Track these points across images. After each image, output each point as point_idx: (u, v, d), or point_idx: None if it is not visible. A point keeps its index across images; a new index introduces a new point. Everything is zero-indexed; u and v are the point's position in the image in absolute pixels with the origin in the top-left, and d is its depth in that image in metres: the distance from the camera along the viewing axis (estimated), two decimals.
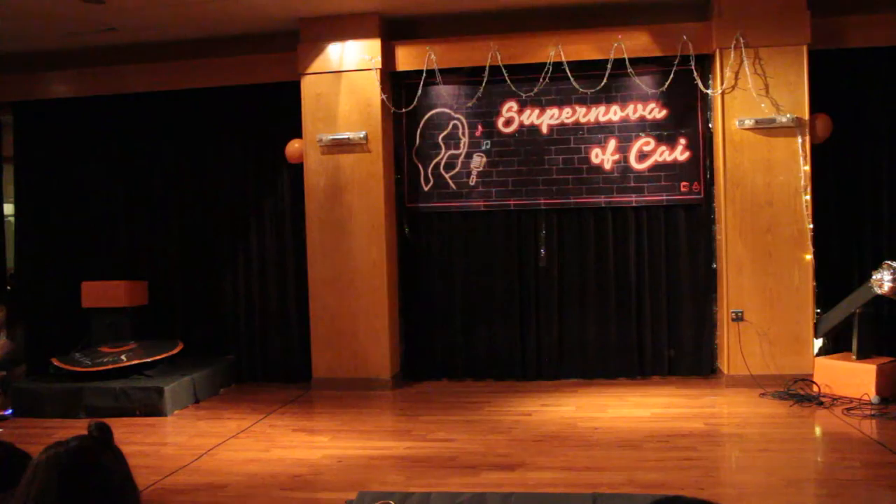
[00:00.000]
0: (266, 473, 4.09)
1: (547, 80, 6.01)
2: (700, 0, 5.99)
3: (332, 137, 6.10)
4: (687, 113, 6.06)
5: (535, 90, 6.05)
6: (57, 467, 1.50)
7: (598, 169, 6.14)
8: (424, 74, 6.12)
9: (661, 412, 5.07)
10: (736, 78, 5.70)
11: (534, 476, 3.91)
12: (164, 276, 6.77)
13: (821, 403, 5.09)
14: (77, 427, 1.66)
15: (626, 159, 6.11)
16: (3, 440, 1.89)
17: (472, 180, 6.30)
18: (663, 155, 6.08)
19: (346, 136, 6.08)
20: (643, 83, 6.02)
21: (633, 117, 6.11)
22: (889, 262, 4.94)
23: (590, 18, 6.07)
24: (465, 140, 6.29)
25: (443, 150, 6.34)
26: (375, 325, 6.12)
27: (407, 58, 6.20)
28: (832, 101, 5.79)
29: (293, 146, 6.30)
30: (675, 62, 5.86)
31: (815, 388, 5.33)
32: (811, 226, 5.63)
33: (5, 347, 6.09)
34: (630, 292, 6.15)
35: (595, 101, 6.13)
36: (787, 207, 5.66)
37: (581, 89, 6.01)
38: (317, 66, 6.15)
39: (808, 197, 5.62)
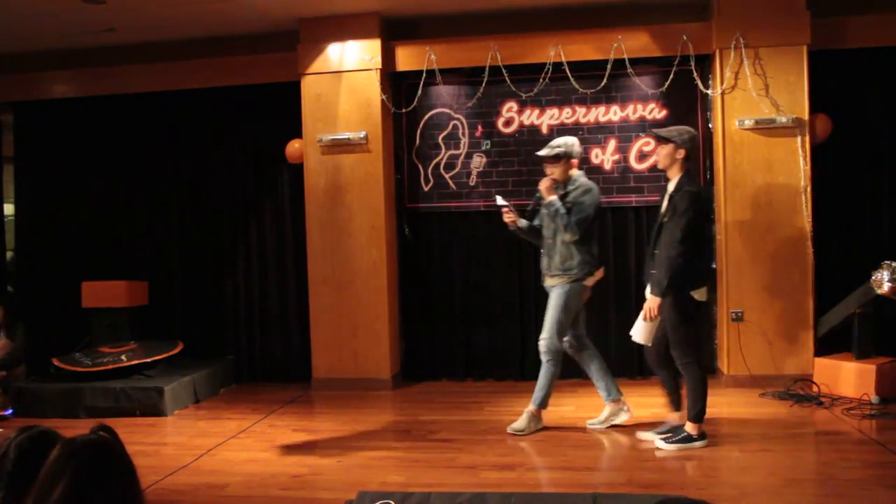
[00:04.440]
0: (266, 473, 4.09)
1: (547, 80, 6.01)
2: (700, 0, 5.99)
3: (332, 137, 6.10)
4: (687, 113, 6.06)
5: (535, 90, 6.05)
6: (70, 454, 1.52)
7: (598, 169, 6.14)
8: (424, 74, 6.12)
9: (661, 412, 5.06)
10: (736, 78, 5.70)
11: (534, 476, 3.91)
12: (164, 276, 6.77)
13: (821, 403, 5.09)
14: (77, 427, 1.67)
15: (626, 159, 6.11)
16: (41, 427, 1.89)
17: (472, 180, 6.30)
18: None
19: (346, 136, 6.09)
20: (643, 83, 6.02)
21: (633, 117, 6.11)
22: (889, 262, 4.94)
23: (590, 18, 6.07)
24: (465, 140, 6.29)
25: (443, 150, 6.35)
26: (375, 325, 6.12)
27: (407, 58, 6.20)
28: (832, 101, 5.79)
29: (293, 146, 6.30)
30: (675, 62, 5.86)
31: (815, 388, 5.33)
32: (811, 226, 5.63)
33: (5, 347, 6.09)
34: (630, 292, 6.15)
35: (595, 101, 6.13)
36: (787, 207, 5.66)
37: (581, 89, 6.01)
38: (317, 66, 6.15)
39: (808, 197, 5.62)
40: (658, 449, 4.25)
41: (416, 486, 3.62)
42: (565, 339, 4.74)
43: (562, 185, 4.71)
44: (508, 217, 4.78)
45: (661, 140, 4.30)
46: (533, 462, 4.13)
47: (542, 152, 4.74)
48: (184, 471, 4.17)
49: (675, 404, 4.43)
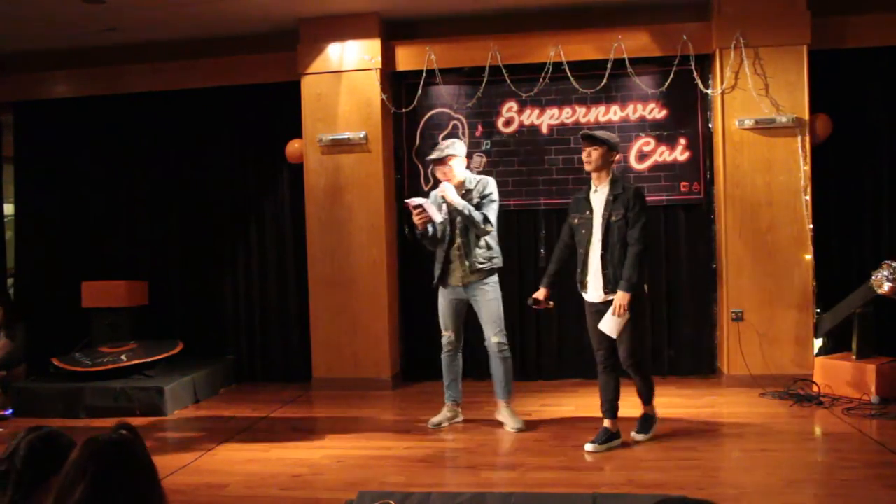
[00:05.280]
0: (266, 473, 4.09)
1: (547, 80, 6.01)
2: (700, 0, 5.99)
3: (332, 137, 6.11)
4: (687, 113, 6.06)
5: (535, 90, 6.05)
6: (91, 454, 1.53)
7: None
8: (424, 74, 6.12)
9: (661, 412, 5.06)
10: (736, 78, 5.70)
11: (534, 476, 3.91)
12: (164, 276, 6.77)
13: (821, 403, 5.09)
14: (77, 427, 1.67)
15: (625, 159, 6.11)
16: (49, 427, 1.89)
17: None
18: (663, 155, 6.08)
19: (346, 136, 6.09)
20: (643, 83, 6.01)
21: (633, 117, 6.11)
22: (889, 262, 4.94)
23: (590, 18, 6.08)
24: (465, 140, 6.28)
25: None
26: (375, 325, 6.12)
27: (407, 58, 6.20)
28: (832, 101, 5.79)
29: (293, 146, 6.30)
30: (675, 62, 5.86)
31: (815, 388, 5.33)
32: (811, 226, 5.63)
33: (5, 347, 6.09)
34: None
35: (595, 101, 6.13)
36: (787, 207, 5.66)
37: (581, 89, 6.01)
38: (317, 66, 6.15)
39: (808, 197, 5.62)
40: (637, 441, 4.41)
41: (416, 486, 3.62)
42: (449, 339, 4.97)
43: (459, 185, 4.81)
44: (421, 218, 4.72)
45: (594, 142, 4.30)
46: (533, 462, 4.13)
47: (433, 156, 4.83)
48: (184, 471, 4.17)
49: (611, 412, 4.39)
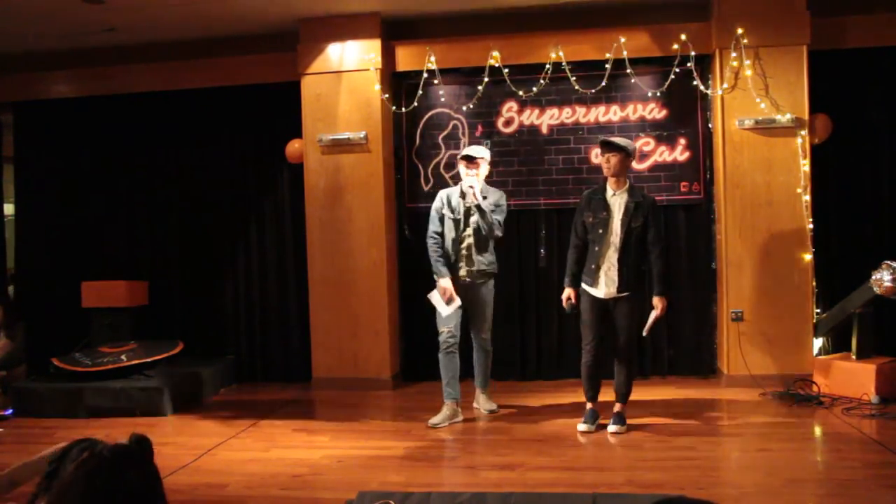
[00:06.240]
0: (266, 473, 4.09)
1: (547, 80, 6.01)
2: (700, 0, 5.99)
3: (332, 137, 6.11)
4: (687, 113, 6.06)
5: (535, 90, 6.05)
6: (82, 476, 1.51)
7: (598, 169, 6.06)
8: (424, 74, 6.12)
9: (661, 412, 5.07)
10: (736, 78, 5.70)
11: (534, 476, 3.91)
12: (164, 276, 6.76)
13: (821, 403, 5.09)
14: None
15: None
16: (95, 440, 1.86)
17: None
18: (663, 155, 6.08)
19: (346, 136, 6.09)
20: (643, 83, 6.01)
21: (633, 117, 6.11)
22: (889, 262, 4.94)
23: (590, 18, 6.08)
24: (465, 140, 6.29)
25: (443, 150, 6.35)
26: (375, 325, 6.12)
27: (407, 58, 6.20)
28: (832, 101, 5.79)
29: (293, 146, 6.31)
30: (675, 62, 5.86)
31: (815, 388, 5.33)
32: (811, 226, 5.63)
33: (5, 347, 6.09)
34: None
35: (595, 101, 6.13)
36: (787, 207, 5.66)
37: (581, 89, 6.01)
38: (317, 66, 6.15)
39: (808, 197, 5.62)
40: (614, 434, 4.58)
41: (416, 486, 3.62)
42: (450, 334, 5.09)
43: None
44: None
45: (613, 148, 4.50)
46: (533, 462, 4.13)
47: (468, 152, 5.00)
48: (184, 471, 4.17)
49: (595, 397, 4.71)
